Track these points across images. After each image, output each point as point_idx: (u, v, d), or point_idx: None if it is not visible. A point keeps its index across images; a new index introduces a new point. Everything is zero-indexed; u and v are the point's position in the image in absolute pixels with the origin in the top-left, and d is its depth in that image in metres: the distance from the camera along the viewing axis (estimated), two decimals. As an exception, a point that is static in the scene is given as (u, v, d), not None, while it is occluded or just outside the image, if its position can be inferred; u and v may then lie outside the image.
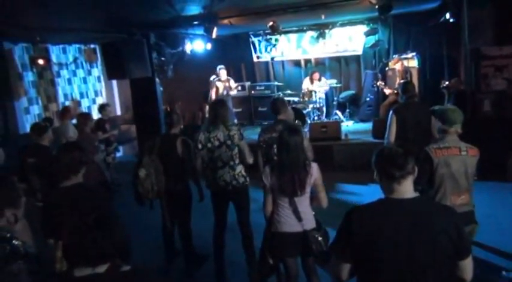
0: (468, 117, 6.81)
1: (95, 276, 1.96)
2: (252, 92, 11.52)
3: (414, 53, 9.60)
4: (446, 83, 7.89)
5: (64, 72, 10.70)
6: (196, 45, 9.99)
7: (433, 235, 1.85)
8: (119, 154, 8.80)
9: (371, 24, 10.27)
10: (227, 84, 10.04)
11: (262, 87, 11.54)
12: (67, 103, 10.37)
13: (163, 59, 8.83)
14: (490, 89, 6.97)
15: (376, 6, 7.32)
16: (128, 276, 2.02)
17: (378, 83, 9.66)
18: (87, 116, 6.95)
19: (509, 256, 4.33)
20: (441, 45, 9.89)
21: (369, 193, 1.87)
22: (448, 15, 8.01)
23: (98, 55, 11.55)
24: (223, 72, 10.06)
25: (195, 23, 8.16)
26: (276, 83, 11.48)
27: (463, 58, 7.67)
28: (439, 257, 1.87)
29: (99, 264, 1.96)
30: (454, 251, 1.88)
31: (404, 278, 1.86)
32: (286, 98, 10.18)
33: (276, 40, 11.40)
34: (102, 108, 8.29)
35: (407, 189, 1.94)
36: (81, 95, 11.32)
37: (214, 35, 8.35)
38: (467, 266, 1.97)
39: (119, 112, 12.47)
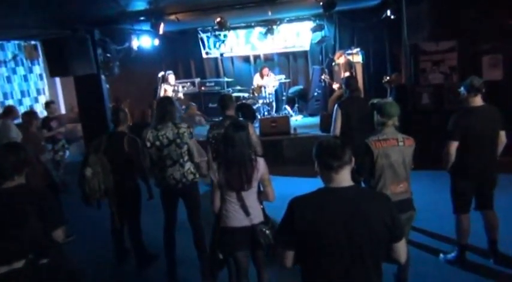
0: (408, 110, 7.17)
1: (13, 272, 2.01)
2: (202, 88, 11.48)
3: (359, 49, 9.93)
4: (388, 77, 8.22)
5: (3, 70, 10.20)
6: (144, 42, 9.80)
7: (369, 221, 1.97)
8: (67, 153, 8.51)
9: (317, 21, 10.49)
10: (176, 88, 9.97)
11: (212, 84, 11.52)
12: (7, 102, 9.88)
13: (108, 55, 8.57)
14: (428, 82, 7.35)
15: (321, 3, 7.50)
16: (45, 269, 2.10)
17: (323, 76, 9.91)
18: (33, 114, 6.66)
19: (447, 239, 4.60)
20: (384, 41, 10.29)
21: (317, 185, 1.94)
22: (389, 12, 8.35)
23: (40, 52, 11.06)
24: (171, 78, 9.97)
25: (141, 18, 8.02)
26: (226, 79, 11.50)
27: (403, 53, 8.02)
28: (375, 241, 1.98)
29: (16, 260, 2.02)
30: (388, 235, 2.01)
31: (344, 262, 1.97)
32: (236, 94, 10.30)
33: (225, 36, 11.39)
34: (47, 105, 8.01)
35: (344, 178, 2.04)
36: (22, 94, 10.83)
37: (161, 31, 8.24)
38: (401, 248, 2.10)
39: (63, 111, 12.03)
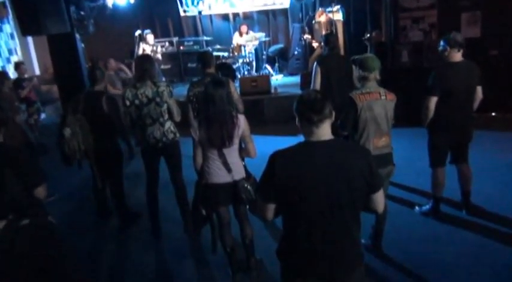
0: (388, 67, 7.20)
1: None
2: (181, 47, 11.23)
3: (339, 6, 9.79)
4: (368, 35, 8.19)
5: (-30, 29, 9.79)
6: (118, -2, 9.47)
7: (348, 173, 2.01)
8: (42, 116, 8.36)
9: (297, -23, 10.28)
10: (154, 48, 9.72)
11: (191, 43, 11.29)
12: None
13: (82, 13, 8.26)
14: (407, 40, 7.35)
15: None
16: (27, 229, 2.11)
17: (305, 36, 9.81)
18: (3, 74, 6.46)
19: (422, 193, 4.76)
20: (364, -2, 10.15)
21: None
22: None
23: (8, 9, 10.59)
24: (150, 37, 9.70)
25: (115, -27, 7.71)
26: (205, 37, 11.27)
27: (383, 10, 7.95)
28: (354, 193, 2.04)
29: None
30: (367, 186, 2.07)
31: (324, 213, 2.02)
32: (215, 53, 10.13)
33: (203, -7, 11.09)
34: (16, 66, 7.77)
35: (325, 132, 2.06)
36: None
37: (136, -13, 7.96)
38: (379, 198, 2.17)
39: (37, 72, 11.68)
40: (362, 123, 3.35)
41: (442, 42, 4.02)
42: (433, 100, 3.94)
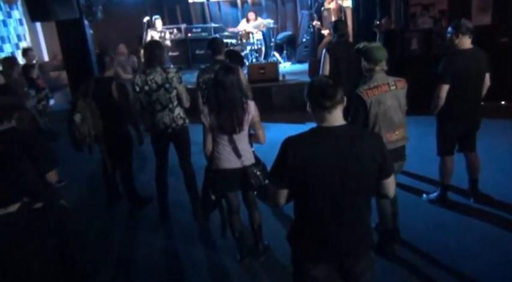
0: (397, 55, 7.15)
1: (7, 215, 2.06)
2: (189, 34, 11.20)
3: (348, -7, 9.70)
4: (377, 22, 8.11)
5: (-21, 15, 9.82)
6: (127, -15, 9.45)
7: (361, 158, 2.03)
8: (51, 102, 8.40)
9: (306, -38, 10.18)
10: (163, 35, 9.70)
11: (199, 29, 11.25)
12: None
13: (91, -1, 8.27)
14: (417, 27, 7.29)
15: None
16: (40, 212, 2.15)
17: (314, 23, 9.75)
18: (13, 60, 6.50)
19: (431, 181, 4.77)
20: (374, -16, 10.03)
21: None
22: (380, -46, 8.12)
23: (17, -5, 10.62)
24: (158, 23, 9.67)
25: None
26: (213, 24, 11.22)
27: (393, -3, 7.88)
28: (366, 178, 2.06)
29: (10, 204, 2.06)
30: (379, 171, 2.08)
31: (336, 197, 2.05)
32: (224, 40, 10.08)
33: (211, -21, 11.03)
34: (24, 52, 7.80)
35: (337, 117, 2.07)
36: (2, 40, 10.47)
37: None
38: (390, 183, 2.18)
39: (46, 58, 11.72)
40: (372, 118, 3.24)
41: (450, 29, 3.95)
42: (445, 88, 3.89)
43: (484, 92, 4.12)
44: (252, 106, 3.27)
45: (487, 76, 4.05)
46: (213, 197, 3.58)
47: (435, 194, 4.42)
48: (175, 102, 4.24)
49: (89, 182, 5.72)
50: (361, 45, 3.47)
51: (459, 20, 3.91)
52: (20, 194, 2.25)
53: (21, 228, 2.30)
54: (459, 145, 4.25)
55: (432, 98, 4.01)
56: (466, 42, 3.90)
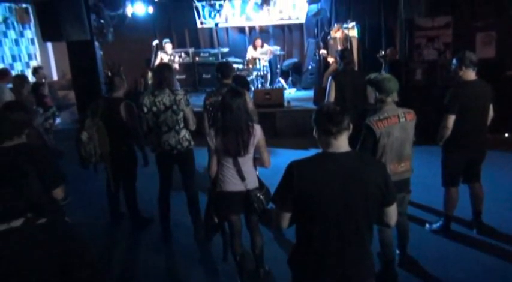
0: (402, 85, 7.22)
1: (11, 230, 2.06)
2: (196, 58, 11.39)
3: (354, 23, 9.90)
4: (383, 52, 8.24)
5: (-7, 33, 10.02)
6: (138, 8, 9.68)
7: (365, 185, 2.05)
8: (57, 121, 8.49)
9: (314, -7, 10.41)
10: (172, 58, 9.88)
11: (207, 54, 11.44)
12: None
13: (102, 21, 8.44)
14: (422, 58, 7.39)
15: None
16: (44, 228, 2.14)
17: (321, 52, 9.90)
18: (24, 78, 6.61)
19: (434, 211, 4.75)
20: (379, 15, 10.22)
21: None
22: (386, -14, 8.32)
23: (31, 16, 10.85)
24: (169, 47, 9.88)
25: (136, -16, 7.89)
26: (221, 49, 11.41)
27: (398, 28, 8.02)
28: (370, 205, 2.08)
29: (14, 219, 2.06)
30: (381, 198, 2.10)
31: (339, 224, 2.06)
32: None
33: (220, 6, 11.26)
34: (35, 70, 7.93)
35: (342, 144, 2.11)
36: (13, 58, 10.66)
37: (156, -2, 8.13)
38: (393, 212, 2.20)
39: (55, 77, 11.89)
40: (380, 149, 3.24)
41: (455, 61, 4.01)
42: (452, 119, 3.92)
43: (488, 122, 4.16)
44: (258, 130, 3.31)
45: (491, 107, 4.09)
46: (216, 220, 3.59)
47: (438, 224, 4.40)
48: (182, 124, 4.29)
49: (92, 200, 5.72)
50: (372, 76, 3.49)
51: (464, 52, 3.97)
52: (25, 209, 2.26)
53: (24, 243, 2.30)
54: (464, 176, 4.25)
55: (439, 129, 4.03)
56: (470, 74, 3.95)
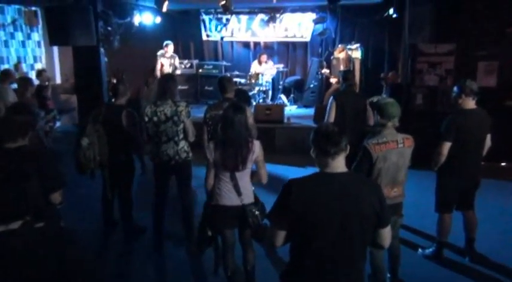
0: (402, 109, 7.27)
1: (9, 232, 2.06)
2: (200, 70, 11.46)
3: (358, 44, 10.00)
4: (384, 75, 8.32)
5: (1, 34, 10.08)
6: (145, 18, 9.80)
7: (361, 206, 2.07)
8: (57, 124, 8.52)
9: (320, 13, 10.53)
10: (172, 61, 9.96)
11: (210, 66, 11.51)
12: (3, 66, 9.80)
13: (109, 28, 8.55)
14: (423, 83, 7.46)
15: (326, -5, 7.55)
16: (41, 232, 2.15)
17: (323, 71, 9.98)
18: (28, 80, 6.66)
19: (427, 236, 4.75)
20: (384, 38, 10.39)
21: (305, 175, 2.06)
22: (391, 11, 8.44)
23: (39, 19, 10.95)
24: (170, 48, 9.94)
25: (146, -6, 8.00)
26: (224, 63, 11.51)
27: (401, 53, 8.10)
28: (365, 226, 2.10)
29: (12, 221, 2.06)
30: (377, 220, 2.12)
31: (335, 244, 2.08)
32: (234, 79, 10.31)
33: (227, 20, 11.40)
34: (39, 73, 7.98)
35: (339, 164, 2.13)
36: (19, 60, 10.72)
37: (165, 9, 8.24)
38: (387, 234, 2.22)
39: (58, 80, 11.95)
40: (375, 173, 3.27)
41: (456, 89, 4.06)
42: (447, 146, 3.96)
43: (485, 152, 4.19)
44: (257, 145, 3.33)
45: (488, 137, 4.13)
46: (210, 233, 3.59)
47: (431, 249, 4.40)
48: (181, 136, 4.31)
49: (86, 206, 5.70)
50: (376, 99, 3.55)
51: (465, 80, 4.02)
52: (24, 212, 2.26)
53: (21, 245, 2.31)
54: (458, 203, 4.27)
55: (433, 155, 4.07)
56: (470, 103, 4.00)
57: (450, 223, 4.24)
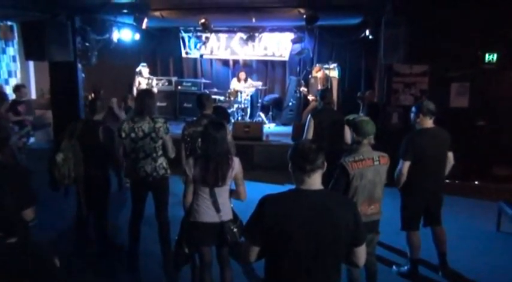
0: (378, 128, 7.40)
1: None
2: (179, 87, 11.47)
3: (336, 64, 10.21)
4: (361, 94, 8.48)
5: (-26, 48, 9.91)
6: (124, 34, 9.78)
7: (335, 224, 2.08)
8: (31, 140, 8.34)
9: (298, 33, 10.73)
10: (149, 81, 9.99)
11: (189, 84, 11.54)
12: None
13: (87, 44, 8.48)
14: (399, 103, 7.62)
15: (304, 16, 7.71)
16: (13, 247, 2.11)
17: (302, 89, 10.12)
18: (2, 95, 6.53)
19: (401, 253, 4.80)
20: (360, 59, 10.63)
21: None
22: (367, 32, 8.66)
23: (15, 33, 10.81)
24: (145, 70, 10.02)
25: (125, 11, 8.01)
26: (204, 80, 11.55)
27: (378, 73, 8.29)
28: (339, 244, 2.11)
29: None
30: (351, 238, 2.13)
31: (308, 261, 2.08)
32: (212, 96, 10.33)
33: (206, 38, 11.49)
34: (16, 88, 7.84)
35: (315, 182, 2.15)
36: (-7, 76, 10.54)
37: (144, 26, 8.25)
38: (362, 252, 2.23)
39: (34, 96, 11.75)
40: (352, 190, 3.30)
41: (414, 109, 4.17)
42: (406, 165, 4.04)
43: (448, 169, 4.29)
44: (236, 162, 3.34)
45: (450, 155, 4.24)
46: (187, 250, 3.54)
47: (406, 267, 4.43)
48: (160, 152, 4.29)
49: (59, 223, 5.57)
50: (351, 117, 3.62)
51: (422, 102, 4.18)
52: None
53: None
54: (424, 220, 4.34)
55: (396, 174, 4.13)
56: (427, 122, 4.11)
57: (418, 240, 4.28)
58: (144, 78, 9.88)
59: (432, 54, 7.18)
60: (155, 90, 10.15)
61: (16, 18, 9.69)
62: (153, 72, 11.30)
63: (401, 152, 4.07)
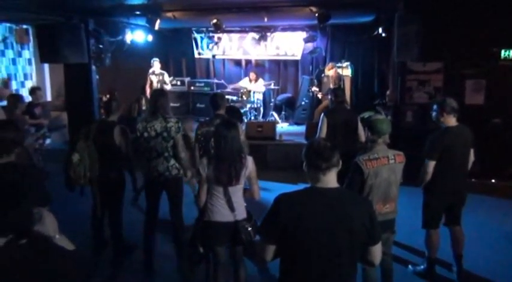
0: (392, 126, 7.34)
1: None
2: (191, 87, 11.52)
3: (348, 63, 10.15)
4: (379, 100, 8.35)
5: (-9, 51, 10.07)
6: (137, 36, 9.85)
7: (350, 222, 2.07)
8: (47, 141, 8.44)
9: (311, 32, 10.68)
10: (161, 78, 10.03)
11: (202, 84, 11.58)
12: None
13: (101, 46, 8.58)
14: (413, 101, 7.54)
15: (316, 15, 7.68)
16: (26, 249, 2.13)
17: (313, 89, 10.07)
18: (18, 97, 6.62)
19: (417, 252, 4.75)
20: (373, 57, 10.55)
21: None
22: (380, 30, 8.59)
23: (30, 36, 10.96)
24: (157, 65, 10.04)
25: (138, 13, 8.06)
26: (216, 80, 11.58)
27: (391, 71, 8.21)
28: (354, 242, 2.09)
29: None
30: (367, 237, 2.11)
31: (323, 259, 2.07)
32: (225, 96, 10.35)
33: (218, 38, 11.52)
34: (32, 91, 7.93)
35: (331, 179, 2.14)
36: (9, 77, 10.69)
37: (157, 27, 8.30)
38: (377, 251, 2.21)
39: (49, 98, 11.91)
40: (367, 189, 3.28)
41: (435, 107, 4.08)
42: (432, 164, 3.98)
43: (469, 167, 4.22)
44: (250, 161, 3.34)
45: (472, 152, 4.17)
46: (201, 250, 3.55)
47: (422, 267, 4.38)
48: (172, 152, 4.30)
49: (74, 224, 5.59)
50: (367, 115, 3.58)
51: (444, 99, 4.07)
52: (8, 229, 2.23)
53: (5, 263, 2.26)
54: (445, 218, 4.28)
55: (420, 173, 4.09)
56: (451, 121, 4.03)
57: (438, 239, 4.24)
58: (155, 76, 9.93)
59: (446, 51, 7.09)
60: (168, 87, 10.20)
61: (31, 21, 9.83)
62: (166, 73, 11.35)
63: (427, 152, 4.00)
